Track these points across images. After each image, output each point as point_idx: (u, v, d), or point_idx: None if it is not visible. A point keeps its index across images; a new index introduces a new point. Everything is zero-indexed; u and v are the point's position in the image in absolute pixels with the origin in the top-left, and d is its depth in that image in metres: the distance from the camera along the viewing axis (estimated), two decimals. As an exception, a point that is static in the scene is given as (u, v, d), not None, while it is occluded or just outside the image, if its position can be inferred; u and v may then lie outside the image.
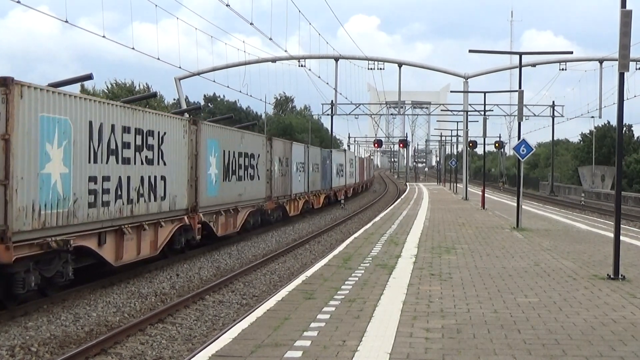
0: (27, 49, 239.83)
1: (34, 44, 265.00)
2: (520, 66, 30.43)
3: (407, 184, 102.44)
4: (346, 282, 13.49)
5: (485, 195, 45.07)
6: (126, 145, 17.40)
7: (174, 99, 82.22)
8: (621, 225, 15.86)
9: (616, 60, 14.76)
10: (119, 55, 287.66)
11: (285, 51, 48.64)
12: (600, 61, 56.35)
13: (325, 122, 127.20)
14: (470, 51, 29.36)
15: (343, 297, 11.96)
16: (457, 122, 67.00)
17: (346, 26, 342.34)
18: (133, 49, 33.52)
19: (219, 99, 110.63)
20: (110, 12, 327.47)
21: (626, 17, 14.22)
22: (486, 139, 51.52)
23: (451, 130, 76.97)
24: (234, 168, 26.61)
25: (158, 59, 35.03)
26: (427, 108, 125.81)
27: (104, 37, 31.26)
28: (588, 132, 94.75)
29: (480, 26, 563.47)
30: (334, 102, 63.09)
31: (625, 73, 14.60)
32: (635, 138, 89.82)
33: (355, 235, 23.98)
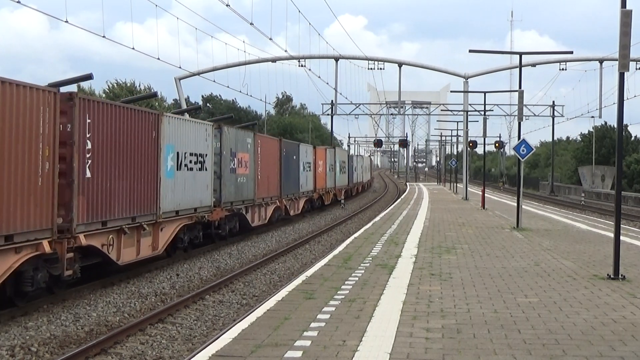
0: (14, 49, 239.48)
1: (21, 44, 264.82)
2: (520, 66, 30.43)
3: (407, 184, 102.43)
4: (346, 282, 13.49)
5: (485, 195, 45.07)
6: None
7: (174, 100, 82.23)
8: (621, 225, 15.86)
9: (616, 60, 14.76)
10: (106, 55, 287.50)
11: (285, 51, 48.71)
12: (600, 61, 56.38)
13: (325, 122, 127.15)
14: (470, 51, 29.37)
15: (343, 297, 11.96)
16: (457, 122, 67.03)
17: (332, 26, 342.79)
18: (133, 49, 33.56)
19: (216, 99, 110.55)
20: (94, 12, 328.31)
21: (626, 17, 14.21)
22: (486, 139, 51.61)
23: (451, 130, 77.00)
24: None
25: (158, 58, 35.04)
26: (427, 108, 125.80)
27: (104, 37, 31.28)
28: (587, 132, 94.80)
29: (469, 26, 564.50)
30: (334, 102, 63.12)
31: (625, 73, 14.60)
32: (633, 138, 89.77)
33: (356, 235, 23.97)
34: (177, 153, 20.81)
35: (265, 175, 31.25)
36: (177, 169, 20.84)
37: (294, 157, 37.88)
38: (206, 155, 23.27)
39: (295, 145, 39.94)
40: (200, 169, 22.70)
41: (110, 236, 16.96)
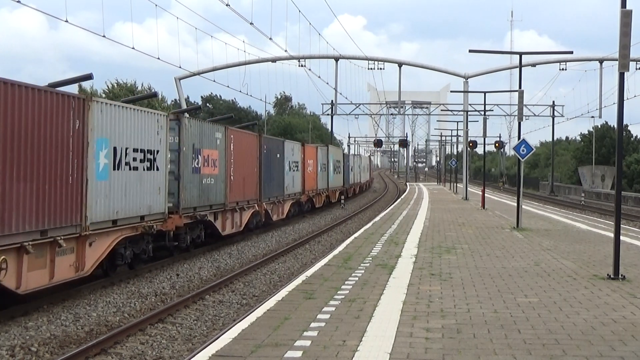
0: (13, 49, 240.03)
1: (20, 44, 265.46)
2: (520, 66, 30.43)
3: (407, 183, 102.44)
4: (346, 282, 13.49)
5: (485, 195, 45.07)
6: None
7: (174, 100, 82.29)
8: (621, 225, 15.87)
9: (616, 60, 14.76)
10: (105, 55, 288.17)
11: (285, 51, 48.76)
12: (600, 61, 56.42)
13: (325, 121, 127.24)
14: (470, 51, 29.37)
15: (343, 297, 11.96)
16: (457, 122, 67.05)
17: (332, 26, 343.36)
18: (133, 48, 33.61)
19: (216, 99, 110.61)
20: (94, 12, 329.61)
21: (626, 17, 14.21)
22: (486, 139, 51.60)
23: (451, 130, 77.01)
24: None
25: (158, 58, 35.11)
26: (427, 108, 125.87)
27: (103, 36, 31.31)
28: (587, 132, 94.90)
29: (468, 26, 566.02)
30: (334, 102, 63.15)
31: (625, 73, 14.60)
32: (633, 138, 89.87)
33: (356, 235, 23.98)
34: (115, 149, 16.92)
35: (240, 175, 27.33)
36: (114, 169, 16.97)
37: (278, 155, 34.08)
38: (157, 151, 19.33)
39: (280, 142, 36.12)
40: (148, 169, 18.84)
41: (2, 257, 12.86)
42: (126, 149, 17.54)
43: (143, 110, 19.00)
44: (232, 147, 26.36)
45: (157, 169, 19.44)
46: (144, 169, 18.58)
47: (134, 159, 18.03)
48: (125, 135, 17.51)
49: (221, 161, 25.16)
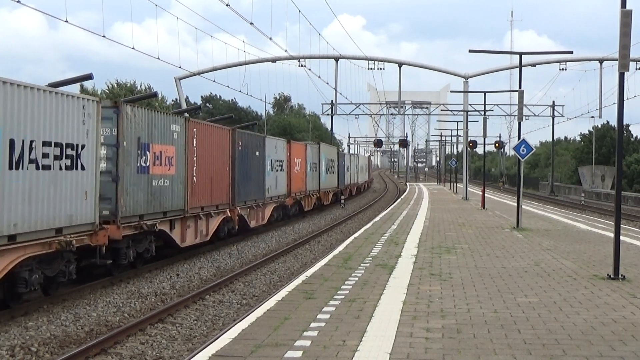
0: (13, 49, 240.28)
1: (20, 44, 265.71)
2: (520, 66, 30.43)
3: (407, 183, 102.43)
4: (346, 282, 13.49)
5: (485, 195, 45.07)
6: None
7: (174, 100, 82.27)
8: (621, 225, 15.86)
9: (616, 60, 14.76)
10: (105, 55, 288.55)
11: (285, 51, 48.78)
12: (600, 61, 56.45)
13: (325, 121, 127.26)
14: (470, 51, 29.36)
15: (343, 297, 11.97)
16: (457, 122, 67.05)
17: (331, 26, 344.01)
18: (133, 48, 33.63)
19: (215, 99, 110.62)
20: (93, 12, 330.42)
21: (626, 17, 14.21)
22: (486, 139, 51.58)
23: (451, 130, 77.01)
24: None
25: (158, 58, 35.13)
26: (427, 108, 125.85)
27: (103, 36, 31.33)
28: (587, 132, 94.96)
29: (468, 26, 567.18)
30: (334, 102, 63.17)
31: (625, 73, 14.60)
32: (634, 138, 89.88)
33: (356, 235, 23.98)
34: (12, 141, 13.25)
35: (206, 176, 23.61)
36: (12, 167, 13.28)
37: (257, 153, 30.24)
38: (82, 146, 15.60)
39: (260, 139, 31.65)
40: (69, 167, 15.12)
41: None
42: (31, 141, 13.80)
43: (58, 93, 14.92)
44: (194, 142, 22.53)
45: (82, 168, 15.69)
46: (60, 168, 14.85)
47: (45, 155, 14.28)
48: (29, 124, 13.76)
49: (179, 159, 21.34)
